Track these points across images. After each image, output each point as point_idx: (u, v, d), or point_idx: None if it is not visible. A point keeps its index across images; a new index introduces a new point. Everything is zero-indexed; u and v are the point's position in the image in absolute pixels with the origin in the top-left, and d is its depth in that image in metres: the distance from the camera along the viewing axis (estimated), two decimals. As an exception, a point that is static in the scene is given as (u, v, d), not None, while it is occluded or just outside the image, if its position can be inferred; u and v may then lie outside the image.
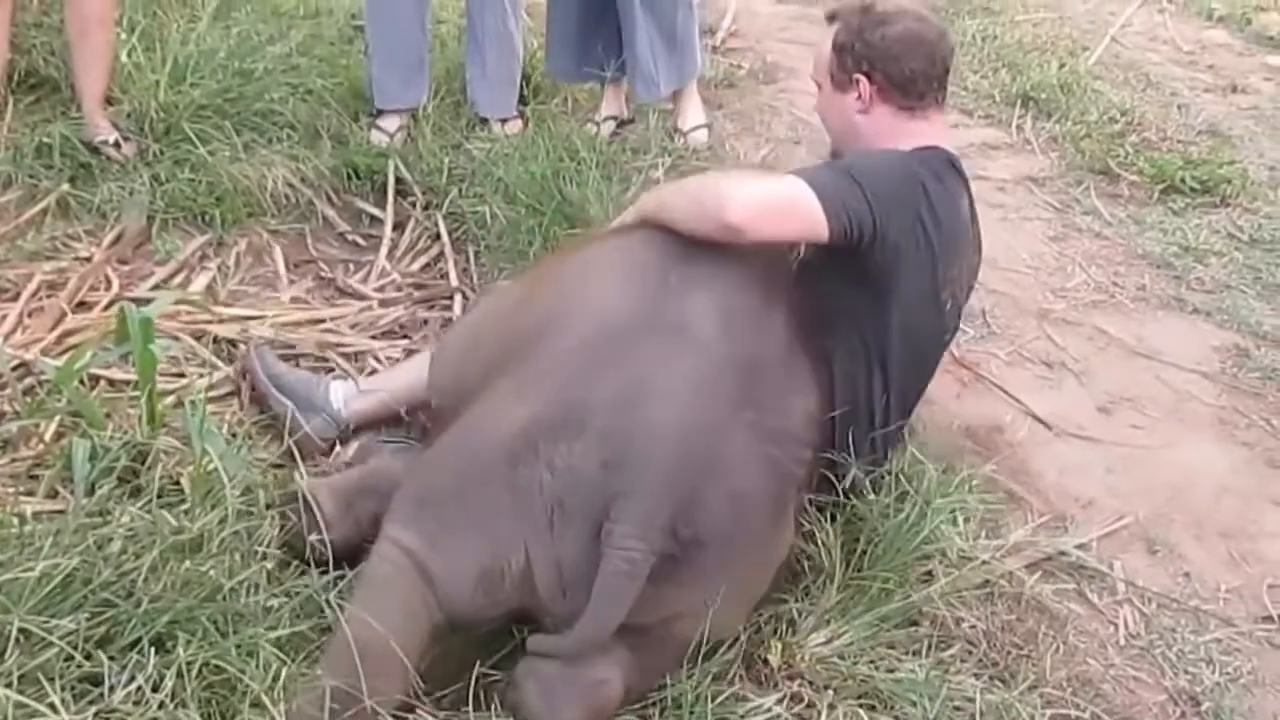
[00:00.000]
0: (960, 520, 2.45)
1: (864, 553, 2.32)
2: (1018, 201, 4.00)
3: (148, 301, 3.09)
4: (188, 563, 2.17)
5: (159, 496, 2.33)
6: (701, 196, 2.23)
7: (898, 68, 2.39)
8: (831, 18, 2.51)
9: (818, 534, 2.33)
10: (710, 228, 2.18)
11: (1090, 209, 3.94)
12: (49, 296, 3.19)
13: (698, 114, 4.21)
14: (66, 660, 1.91)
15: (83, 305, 3.20)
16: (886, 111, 2.43)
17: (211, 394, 2.82)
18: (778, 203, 2.21)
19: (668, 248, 2.23)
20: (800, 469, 2.19)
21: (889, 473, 2.47)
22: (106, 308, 3.18)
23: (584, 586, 1.94)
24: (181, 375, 2.92)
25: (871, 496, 2.39)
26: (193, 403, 2.59)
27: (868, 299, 2.31)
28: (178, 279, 3.38)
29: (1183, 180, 4.02)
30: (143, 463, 2.49)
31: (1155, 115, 4.50)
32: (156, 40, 4.03)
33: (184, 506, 2.31)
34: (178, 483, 2.47)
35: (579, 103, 4.30)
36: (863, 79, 2.42)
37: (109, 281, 3.29)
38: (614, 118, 4.24)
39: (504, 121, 4.15)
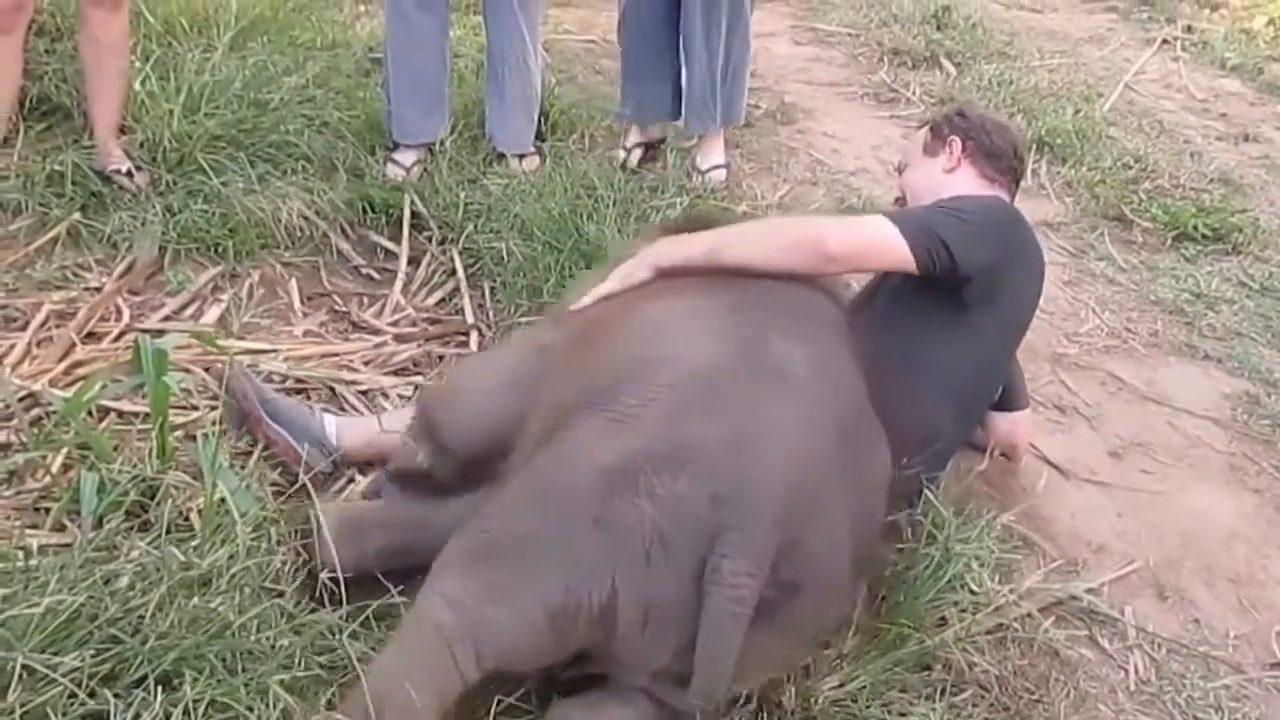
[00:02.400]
0: (975, 565, 2.45)
1: (883, 598, 2.32)
2: (1031, 246, 4.00)
3: (160, 333, 3.12)
4: (196, 599, 2.16)
5: (168, 532, 2.33)
6: (794, 233, 2.46)
7: (989, 140, 2.70)
8: (926, 124, 2.87)
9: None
10: (806, 259, 2.39)
11: (1104, 255, 3.95)
12: (58, 326, 3.18)
13: (718, 154, 4.25)
14: (70, 698, 1.89)
15: (92, 336, 3.19)
16: (971, 174, 2.69)
17: (221, 428, 2.81)
18: (868, 237, 2.44)
19: (739, 295, 2.29)
20: (878, 525, 2.23)
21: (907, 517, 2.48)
22: (117, 339, 3.19)
23: (668, 626, 1.89)
24: (193, 408, 2.90)
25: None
26: (204, 436, 2.60)
27: (956, 329, 2.50)
28: (189, 310, 3.38)
29: (1195, 228, 4.04)
30: (152, 497, 2.49)
31: (1168, 162, 4.52)
32: (171, 70, 4.04)
33: (194, 542, 2.30)
34: (187, 518, 2.47)
35: (595, 140, 4.32)
36: (956, 140, 2.71)
37: (119, 312, 3.28)
38: (642, 145, 4.30)
39: (521, 157, 4.17)
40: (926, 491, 2.48)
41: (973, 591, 2.40)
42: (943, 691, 2.26)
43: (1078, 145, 4.57)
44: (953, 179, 2.68)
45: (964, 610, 2.38)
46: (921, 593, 2.32)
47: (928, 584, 2.33)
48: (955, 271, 2.41)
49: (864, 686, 2.22)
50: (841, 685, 2.23)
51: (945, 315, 2.49)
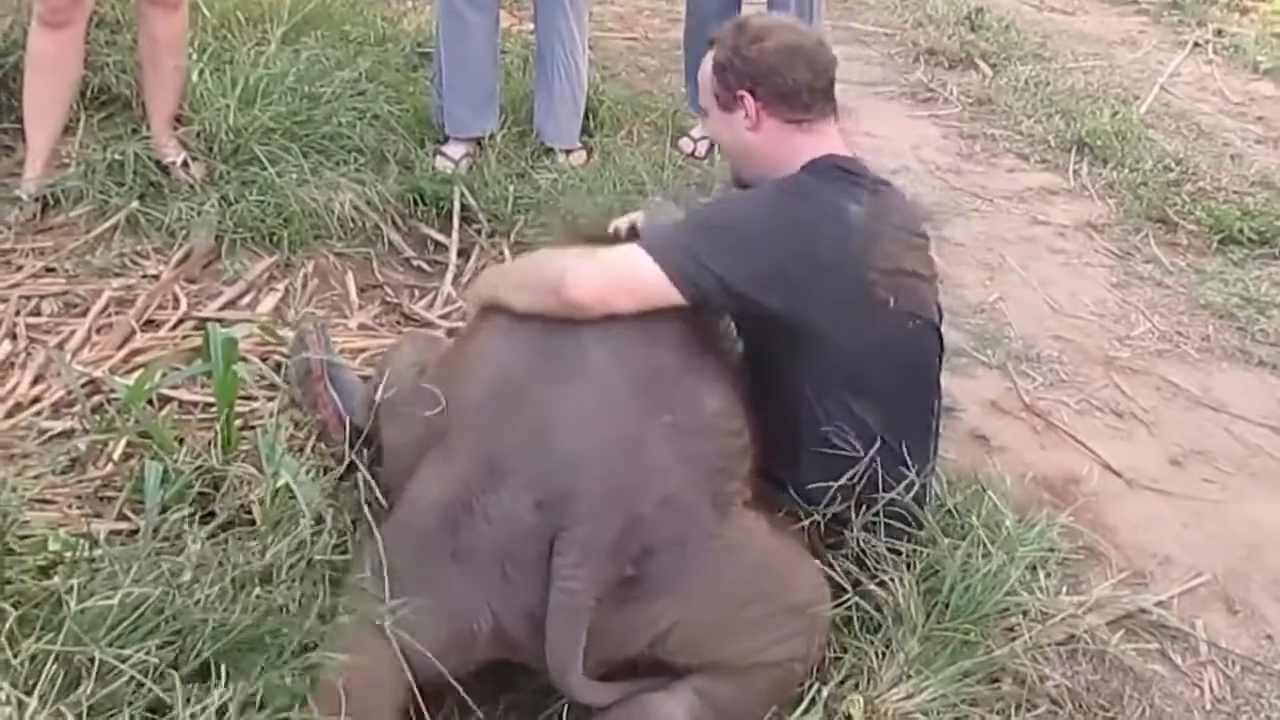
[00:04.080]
0: (1041, 574, 2.31)
1: (946, 604, 2.18)
2: (1078, 247, 3.86)
3: (219, 322, 3.02)
4: (259, 589, 2.07)
5: (231, 525, 2.23)
6: (540, 276, 2.11)
7: (779, 80, 2.23)
8: (710, 42, 2.35)
9: (895, 581, 2.18)
10: (553, 305, 2.06)
11: (1150, 257, 3.80)
12: (117, 313, 3.10)
13: None
14: (137, 688, 1.81)
15: (151, 323, 3.10)
16: (775, 126, 2.25)
17: (278, 417, 2.68)
18: (620, 276, 2.08)
19: None
20: (733, 459, 2.07)
21: (961, 518, 2.35)
22: (174, 326, 3.09)
23: None
24: (250, 398, 2.79)
25: (946, 541, 2.25)
26: (264, 428, 2.48)
27: (789, 337, 2.18)
28: (246, 299, 3.27)
29: (1241, 231, 3.87)
30: (215, 487, 2.38)
31: (1209, 165, 4.36)
32: (225, 63, 3.94)
33: (256, 535, 2.20)
34: (248, 509, 2.35)
35: (641, 136, 4.19)
36: (747, 95, 2.24)
37: (177, 300, 3.19)
38: (709, 139, 4.13)
39: (568, 152, 4.05)
40: (989, 494, 2.34)
41: (1042, 604, 2.25)
42: (1017, 707, 2.12)
43: (1118, 147, 4.41)
44: (760, 139, 2.26)
45: (1032, 620, 2.24)
46: (985, 597, 2.17)
47: (990, 588, 2.18)
48: (735, 303, 2.14)
49: (933, 698, 2.08)
50: (910, 696, 2.09)
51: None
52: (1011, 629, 2.23)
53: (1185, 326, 3.45)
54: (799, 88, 2.23)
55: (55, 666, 1.81)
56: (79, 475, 2.51)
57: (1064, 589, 2.38)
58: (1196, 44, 5.72)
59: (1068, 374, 3.20)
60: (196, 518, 2.30)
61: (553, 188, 3.75)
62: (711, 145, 4.17)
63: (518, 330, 2.11)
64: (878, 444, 2.17)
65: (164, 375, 2.64)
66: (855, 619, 2.20)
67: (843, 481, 2.16)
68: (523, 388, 2.00)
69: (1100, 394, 3.13)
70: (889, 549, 2.21)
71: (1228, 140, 4.67)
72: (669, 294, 2.07)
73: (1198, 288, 3.63)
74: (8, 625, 1.89)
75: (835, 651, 2.18)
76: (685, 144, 4.19)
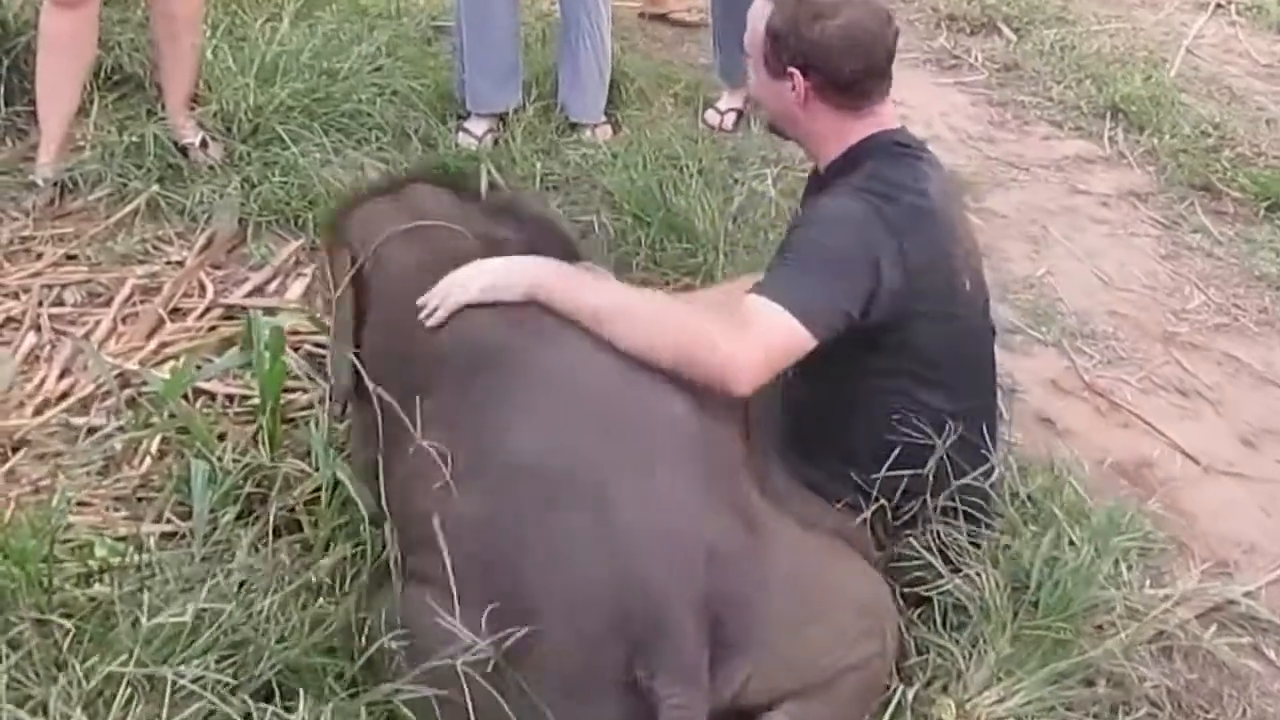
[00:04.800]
0: (1123, 566, 2.19)
1: (1034, 601, 2.06)
2: (1122, 217, 3.72)
3: (249, 310, 2.88)
4: (321, 601, 1.97)
5: (282, 531, 2.13)
6: (700, 354, 1.90)
7: (836, 68, 2.05)
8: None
9: (980, 575, 2.07)
10: (701, 380, 1.90)
11: (1198, 226, 3.66)
12: (143, 302, 2.99)
13: None
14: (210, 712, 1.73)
15: (177, 311, 2.98)
16: (825, 110, 2.10)
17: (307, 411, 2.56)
18: (776, 352, 1.94)
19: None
20: (734, 452, 1.94)
21: (1037, 506, 2.23)
22: (202, 315, 2.97)
23: None
24: (287, 390, 2.64)
25: (1029, 533, 2.14)
26: (314, 421, 2.35)
27: (863, 332, 2.04)
28: (273, 285, 3.15)
29: (1289, 196, 3.73)
30: (261, 487, 2.26)
31: (1246, 130, 4.20)
32: (239, 40, 3.82)
33: (311, 540, 2.10)
34: (293, 509, 2.23)
35: (666, 109, 4.04)
36: (797, 74, 2.08)
37: (203, 287, 3.06)
38: (736, 110, 4.04)
39: (594, 127, 3.89)
40: (1071, 482, 2.22)
41: (1128, 599, 2.14)
42: (1114, 709, 2.01)
43: (1153, 112, 4.25)
44: (808, 117, 2.12)
45: (1121, 616, 2.12)
46: (1075, 593, 2.05)
47: (1081, 583, 2.06)
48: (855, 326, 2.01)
49: (1027, 702, 1.96)
50: (1001, 700, 1.97)
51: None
52: (1100, 626, 2.11)
53: (1241, 299, 3.32)
54: (856, 78, 2.07)
55: (124, 688, 1.72)
56: (115, 475, 2.40)
57: (1147, 581, 2.26)
58: (1219, 4, 5.53)
59: (1126, 351, 3.08)
60: (248, 520, 2.19)
61: (583, 163, 3.60)
62: (740, 117, 4.04)
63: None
64: (950, 429, 2.06)
65: (199, 368, 2.50)
66: (936, 614, 2.10)
67: (924, 470, 2.06)
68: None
69: (1162, 371, 3.00)
70: (970, 541, 2.10)
71: (1261, 104, 4.52)
72: (809, 346, 1.96)
73: (1249, 258, 3.49)
74: (67, 642, 1.79)
75: (917, 649, 2.07)
76: (712, 116, 4.04)
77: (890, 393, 2.11)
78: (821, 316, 1.96)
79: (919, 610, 2.12)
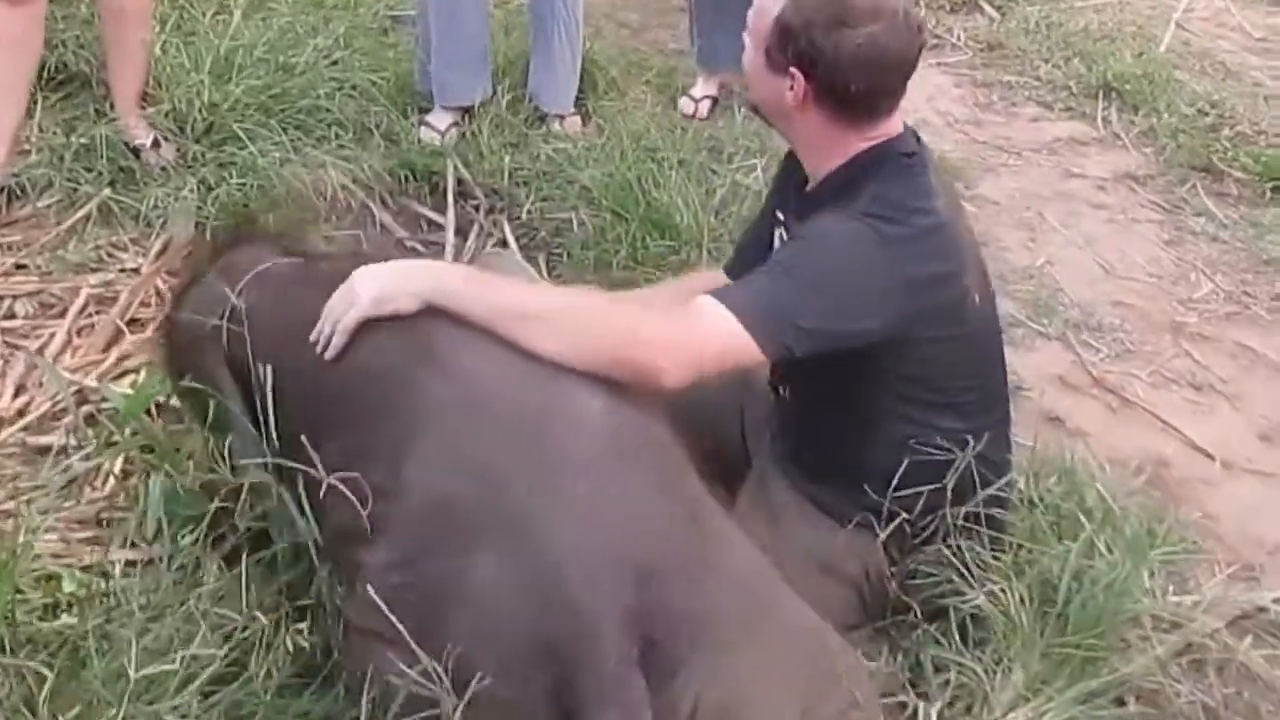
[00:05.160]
0: (1144, 573, 2.09)
1: (1059, 615, 1.96)
2: (1121, 202, 3.63)
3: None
4: (304, 628, 1.90)
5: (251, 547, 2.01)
6: (608, 337, 1.74)
7: (843, 83, 1.87)
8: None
9: (1003, 592, 1.96)
10: (629, 379, 1.74)
11: (1201, 210, 3.57)
12: (98, 313, 2.87)
13: None
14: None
15: (135, 322, 2.88)
16: (823, 117, 1.93)
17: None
18: (713, 355, 1.78)
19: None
20: (673, 482, 1.73)
21: (1057, 514, 2.12)
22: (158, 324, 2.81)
23: None
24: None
25: (1054, 543, 2.03)
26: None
27: (868, 352, 1.90)
28: (233, 293, 3.01)
29: (1293, 177, 3.65)
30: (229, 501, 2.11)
31: (1245, 108, 4.11)
32: (189, 35, 3.67)
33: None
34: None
35: (639, 98, 3.92)
36: (799, 76, 1.90)
37: (161, 296, 2.94)
38: (711, 97, 3.93)
39: (563, 118, 3.77)
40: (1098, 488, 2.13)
41: (1154, 608, 2.04)
42: (1149, 730, 1.91)
43: (1147, 91, 4.15)
44: (802, 119, 1.95)
45: (1148, 628, 2.02)
46: (1107, 607, 1.95)
47: (1113, 598, 1.96)
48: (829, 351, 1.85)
49: (1057, 724, 1.87)
50: (1032, 723, 1.88)
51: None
52: (1125, 640, 2.01)
53: (1251, 285, 3.23)
54: (864, 96, 1.89)
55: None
56: (77, 497, 2.30)
57: (1170, 588, 2.16)
58: (1208, -23, 5.47)
59: (1134, 343, 2.98)
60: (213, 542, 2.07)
61: (555, 157, 3.48)
62: (715, 104, 3.94)
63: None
64: (970, 445, 1.95)
65: (163, 382, 2.38)
66: (954, 631, 2.00)
67: (939, 485, 1.95)
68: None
69: (1172, 364, 2.91)
70: (992, 555, 2.00)
71: (1257, 80, 4.43)
72: (752, 357, 1.81)
73: (1256, 242, 3.40)
74: (45, 690, 1.71)
75: (936, 667, 1.99)
76: (686, 105, 3.93)
77: (897, 417, 1.98)
78: (774, 330, 1.79)
79: (935, 624, 2.03)
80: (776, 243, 2.14)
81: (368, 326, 1.81)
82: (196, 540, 2.04)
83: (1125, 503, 2.19)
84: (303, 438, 1.79)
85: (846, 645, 1.82)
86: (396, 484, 1.66)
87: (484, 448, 1.65)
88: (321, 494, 1.74)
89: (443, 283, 1.80)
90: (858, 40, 1.83)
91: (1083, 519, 2.07)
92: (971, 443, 1.95)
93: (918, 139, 1.99)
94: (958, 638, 1.99)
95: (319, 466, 1.74)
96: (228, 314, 2.03)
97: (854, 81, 1.86)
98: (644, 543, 1.60)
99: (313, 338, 1.85)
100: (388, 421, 1.73)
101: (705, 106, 3.90)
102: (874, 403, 1.98)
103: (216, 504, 2.00)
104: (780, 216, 2.14)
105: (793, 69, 1.89)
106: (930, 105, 4.21)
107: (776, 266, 1.88)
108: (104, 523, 2.25)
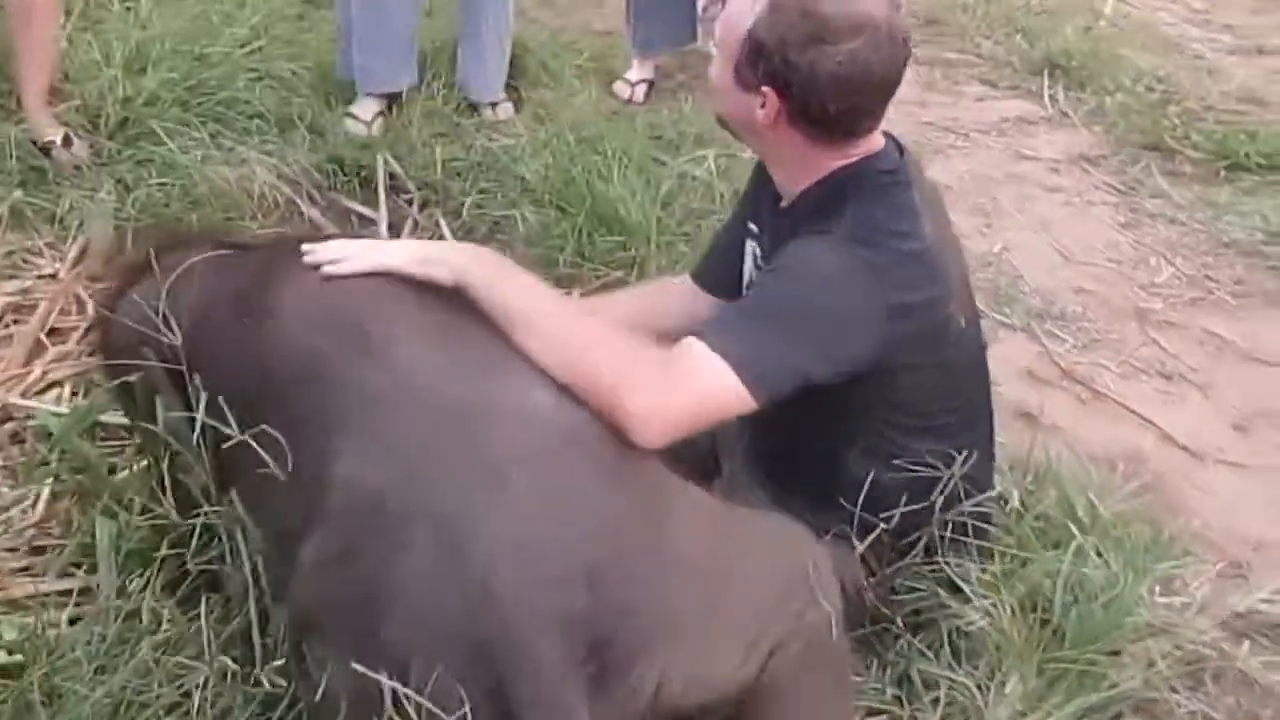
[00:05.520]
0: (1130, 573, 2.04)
1: (1045, 623, 1.92)
2: (1076, 184, 3.60)
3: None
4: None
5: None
6: (594, 368, 1.64)
7: (819, 104, 1.76)
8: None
9: (994, 607, 1.91)
10: (600, 409, 1.64)
11: (1156, 191, 3.55)
12: (16, 323, 2.75)
13: None
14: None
15: (55, 333, 2.76)
16: (797, 137, 1.82)
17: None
18: (709, 413, 1.71)
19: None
20: (626, 467, 1.64)
21: (1042, 518, 2.08)
22: (85, 335, 2.71)
23: None
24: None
25: (1051, 555, 1.98)
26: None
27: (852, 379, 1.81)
28: (160, 298, 2.88)
29: (1247, 156, 3.63)
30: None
31: (1191, 83, 4.11)
32: (95, 24, 3.58)
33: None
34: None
35: (571, 84, 3.83)
36: (771, 94, 1.78)
37: (82, 304, 2.84)
38: (648, 81, 3.87)
39: (494, 105, 3.66)
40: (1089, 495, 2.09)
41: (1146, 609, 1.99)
42: (1150, 746, 1.87)
43: (1092, 67, 4.14)
44: (775, 138, 1.84)
45: (1142, 634, 1.97)
46: (1104, 619, 1.91)
47: (1112, 609, 1.91)
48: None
49: (1058, 744, 1.82)
50: (1030, 744, 1.83)
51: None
52: (1115, 651, 1.96)
53: (1212, 269, 3.21)
54: (843, 117, 1.79)
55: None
56: (4, 525, 2.19)
57: (1156, 589, 2.11)
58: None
59: (1099, 332, 2.95)
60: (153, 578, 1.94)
61: (490, 148, 3.39)
62: (650, 88, 3.85)
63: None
64: (954, 461, 1.88)
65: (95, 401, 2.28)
66: (945, 646, 1.94)
67: (931, 502, 1.89)
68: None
69: (1140, 353, 2.88)
70: (980, 567, 1.95)
71: (1198, 53, 4.45)
72: (747, 409, 1.72)
73: (1215, 223, 3.38)
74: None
75: (925, 684, 1.92)
76: (621, 89, 3.86)
77: (873, 437, 1.91)
78: (770, 378, 1.71)
79: (919, 637, 1.97)
80: (749, 258, 2.06)
81: (307, 306, 1.75)
82: (147, 584, 1.91)
83: (1113, 506, 2.14)
84: (237, 426, 1.70)
85: (806, 539, 1.74)
86: (329, 476, 1.58)
87: (416, 440, 1.57)
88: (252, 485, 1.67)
89: (472, 266, 1.74)
90: (837, 58, 1.72)
91: (1072, 527, 2.02)
92: (956, 458, 1.88)
93: (901, 151, 1.89)
94: (947, 651, 1.93)
95: (262, 454, 1.64)
96: (161, 313, 1.91)
97: (832, 103, 1.75)
98: (592, 538, 1.52)
99: (313, 257, 1.78)
100: (320, 410, 1.66)
101: (641, 91, 3.83)
102: (851, 423, 1.91)
103: (166, 549, 1.89)
104: (753, 229, 2.06)
105: (765, 88, 1.78)
106: (875, 85, 4.14)
107: (763, 307, 1.78)
108: (37, 551, 2.14)
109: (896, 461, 1.89)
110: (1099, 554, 2.00)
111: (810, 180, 1.87)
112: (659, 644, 1.53)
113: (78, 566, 2.07)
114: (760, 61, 1.77)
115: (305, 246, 1.82)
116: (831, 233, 1.79)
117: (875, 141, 1.86)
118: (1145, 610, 1.97)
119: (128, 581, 1.94)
